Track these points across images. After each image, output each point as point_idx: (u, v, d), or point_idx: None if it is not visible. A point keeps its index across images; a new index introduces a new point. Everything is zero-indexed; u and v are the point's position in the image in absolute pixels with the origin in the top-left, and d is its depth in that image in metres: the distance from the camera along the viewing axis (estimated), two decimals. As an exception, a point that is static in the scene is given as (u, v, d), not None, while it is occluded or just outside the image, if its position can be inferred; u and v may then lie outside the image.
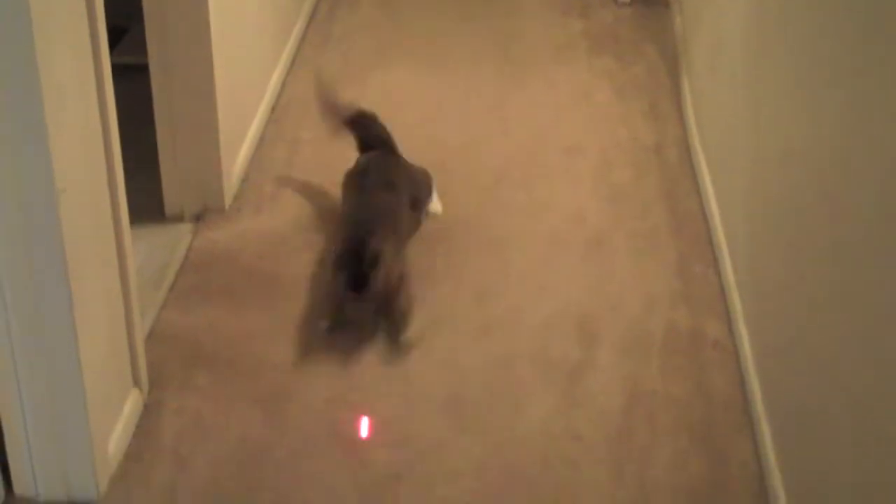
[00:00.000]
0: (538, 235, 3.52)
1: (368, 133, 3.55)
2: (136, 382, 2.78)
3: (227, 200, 3.60)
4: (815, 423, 2.29)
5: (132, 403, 2.74)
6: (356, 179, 3.38)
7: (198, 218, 3.54)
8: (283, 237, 3.48)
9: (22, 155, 2.20)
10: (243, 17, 3.80)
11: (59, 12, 2.25)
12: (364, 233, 3.01)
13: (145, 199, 3.48)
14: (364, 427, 2.79)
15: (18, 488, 2.52)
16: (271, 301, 3.20)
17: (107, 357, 2.60)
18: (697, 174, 3.74)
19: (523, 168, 3.86)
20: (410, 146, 3.96)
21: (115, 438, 2.63)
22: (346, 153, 3.89)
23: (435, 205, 3.54)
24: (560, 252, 3.44)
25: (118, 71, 3.95)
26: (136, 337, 2.75)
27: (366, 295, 2.96)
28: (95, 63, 2.46)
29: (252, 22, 3.96)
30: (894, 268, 1.87)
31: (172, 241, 3.43)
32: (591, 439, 2.73)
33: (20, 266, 2.29)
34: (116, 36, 4.41)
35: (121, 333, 2.70)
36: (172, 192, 3.53)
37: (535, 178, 3.81)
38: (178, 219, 3.53)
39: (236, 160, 3.73)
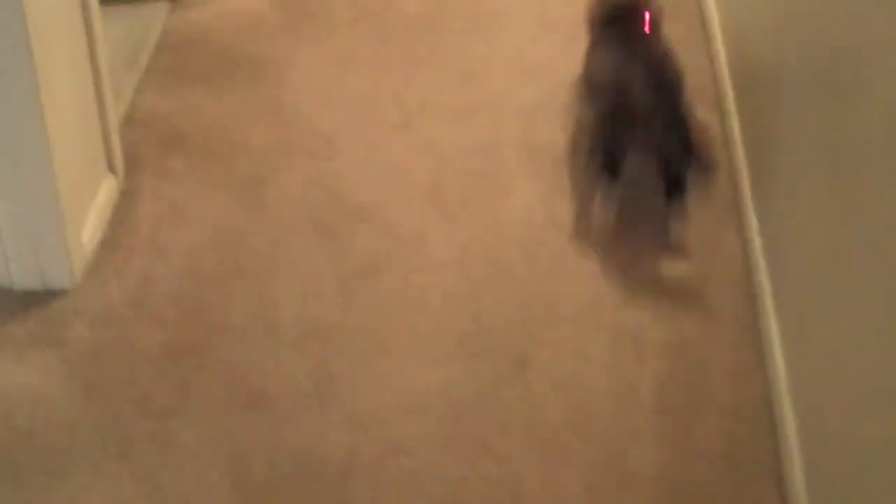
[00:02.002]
0: (526, 16, 3.41)
1: None
2: (111, 168, 2.72)
3: (204, -24, 3.47)
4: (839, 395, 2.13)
5: (107, 190, 2.68)
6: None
7: (172, -4, 3.42)
8: (263, 16, 3.36)
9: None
10: None
11: None
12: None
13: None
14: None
15: (-8, 277, 2.49)
16: (250, 83, 3.11)
17: (78, 141, 2.53)
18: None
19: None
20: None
21: (90, 225, 2.58)
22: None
23: None
24: (548, 34, 3.33)
25: None
26: (109, 120, 2.67)
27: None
28: None
29: None
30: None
31: (147, 20, 3.31)
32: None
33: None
34: None
35: (93, 116, 2.62)
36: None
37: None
38: (153, -4, 3.41)
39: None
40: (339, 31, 3.32)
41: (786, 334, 2.27)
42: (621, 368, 2.34)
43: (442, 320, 2.44)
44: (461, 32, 3.34)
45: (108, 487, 2.10)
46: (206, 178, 2.80)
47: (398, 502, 2.09)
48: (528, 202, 2.75)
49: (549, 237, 2.66)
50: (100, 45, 2.59)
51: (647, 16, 2.73)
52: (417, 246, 2.63)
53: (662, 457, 2.16)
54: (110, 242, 2.61)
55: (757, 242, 2.53)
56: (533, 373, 2.33)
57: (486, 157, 2.88)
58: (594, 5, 2.92)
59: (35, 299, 2.47)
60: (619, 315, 2.46)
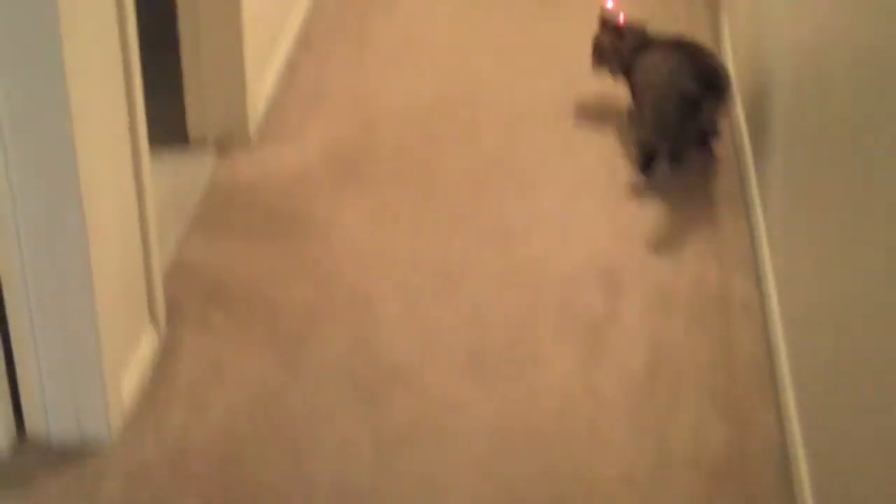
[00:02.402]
0: (567, 176, 3.45)
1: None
2: (153, 319, 2.74)
3: (252, 128, 3.53)
4: (841, 390, 2.24)
5: (147, 341, 2.70)
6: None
7: (221, 145, 3.47)
8: (308, 170, 3.41)
9: (37, 81, 2.13)
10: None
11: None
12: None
13: (169, 123, 3.43)
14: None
15: (30, 427, 2.49)
16: (293, 239, 3.14)
17: (122, 290, 2.55)
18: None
19: (554, 105, 3.77)
20: (441, 75, 3.89)
21: (130, 377, 2.59)
22: (376, 84, 3.82)
23: None
24: (589, 194, 3.37)
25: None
26: (153, 271, 2.70)
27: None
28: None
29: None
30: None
31: (194, 170, 3.37)
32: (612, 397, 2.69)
33: (34, 194, 2.24)
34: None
35: (138, 266, 2.65)
36: (196, 117, 3.47)
37: (567, 117, 3.72)
38: (202, 145, 3.47)
39: (263, 86, 3.65)
40: (383, 189, 3.36)
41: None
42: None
43: (476, 493, 2.43)
44: (503, 192, 3.38)
45: None
46: (246, 334, 2.81)
47: None
48: (565, 370, 2.75)
49: (585, 407, 2.65)
50: (148, 193, 2.63)
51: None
52: (453, 412, 2.63)
53: None
54: (149, 395, 2.62)
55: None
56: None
57: (523, 322, 2.90)
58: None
59: (71, 451, 2.47)
60: (653, 489, 2.45)
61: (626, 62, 3.55)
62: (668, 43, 3.50)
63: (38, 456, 2.46)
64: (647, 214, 3.30)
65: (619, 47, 3.56)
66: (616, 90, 3.70)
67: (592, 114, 3.74)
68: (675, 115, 3.34)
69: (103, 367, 2.44)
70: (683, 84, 3.30)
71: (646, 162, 3.44)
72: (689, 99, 3.29)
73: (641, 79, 3.48)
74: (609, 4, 3.59)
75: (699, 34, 4.17)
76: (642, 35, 3.56)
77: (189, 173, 3.35)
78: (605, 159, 3.53)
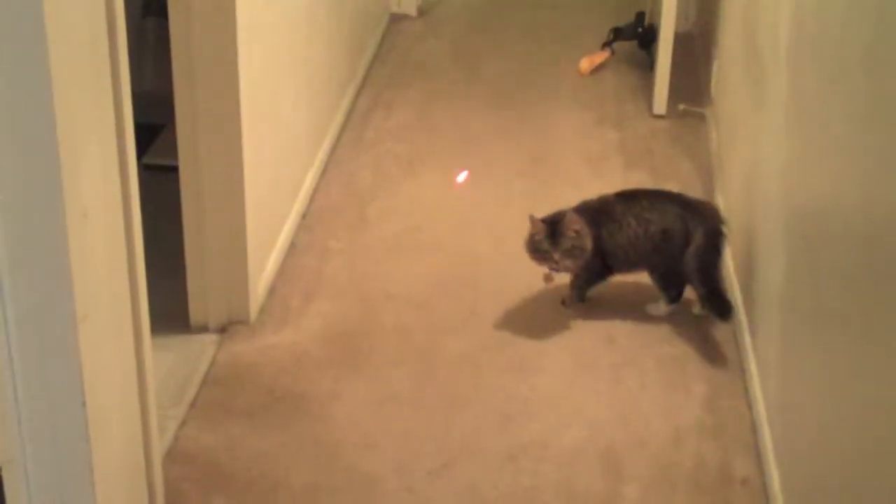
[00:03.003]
0: (565, 357, 3.47)
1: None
2: (152, 506, 2.74)
3: (253, 313, 3.57)
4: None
5: (147, 529, 2.69)
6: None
7: (222, 330, 3.51)
8: (308, 353, 3.44)
9: (41, 280, 2.17)
10: (276, 121, 3.80)
11: (86, 127, 2.22)
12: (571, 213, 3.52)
13: (170, 307, 3.46)
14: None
15: None
16: (293, 420, 3.15)
17: (122, 482, 2.55)
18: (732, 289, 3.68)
19: (552, 285, 3.82)
20: (440, 258, 3.95)
21: (129, 567, 2.58)
22: (376, 266, 3.88)
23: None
24: (587, 375, 3.38)
25: (153, 170, 3.98)
26: (153, 459, 2.71)
27: (556, 246, 3.48)
28: (122, 177, 2.42)
29: (285, 125, 3.95)
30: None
31: (195, 354, 3.39)
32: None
33: (36, 384, 2.25)
34: (152, 134, 4.43)
35: (138, 456, 2.65)
36: (198, 301, 3.51)
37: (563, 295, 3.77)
38: (203, 330, 3.50)
39: (264, 270, 3.70)
40: (383, 370, 3.38)
41: None
42: None
43: None
44: (503, 373, 3.39)
45: None
46: (246, 518, 2.81)
47: None
48: (568, 553, 2.74)
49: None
50: (150, 382, 2.65)
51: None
52: None
53: None
54: (147, 584, 2.60)
55: None
56: None
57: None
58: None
59: None
60: None
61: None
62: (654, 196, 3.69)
63: None
64: (646, 393, 3.31)
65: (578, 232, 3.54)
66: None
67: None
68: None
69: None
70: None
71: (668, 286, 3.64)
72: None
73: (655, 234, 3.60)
74: (461, 178, 3.61)
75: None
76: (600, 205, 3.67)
77: (190, 358, 3.37)
78: (603, 336, 3.56)
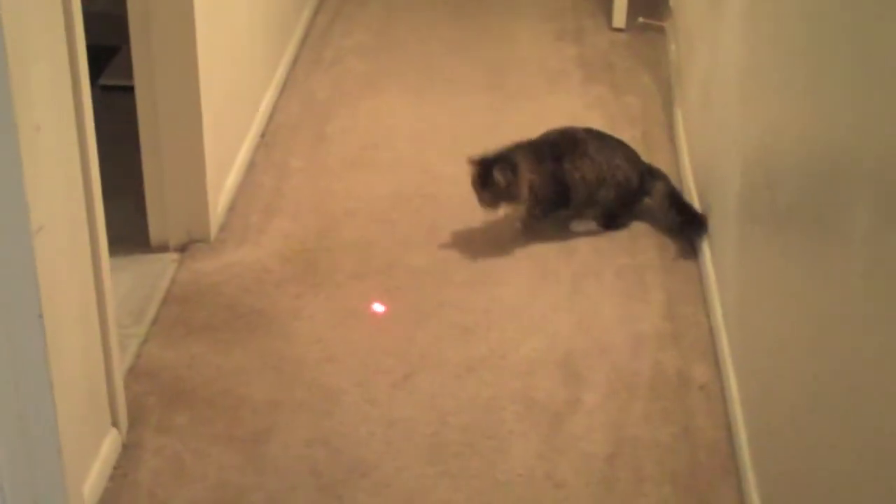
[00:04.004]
0: (526, 270, 3.49)
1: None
2: (115, 422, 2.74)
3: (213, 231, 3.56)
4: (802, 472, 2.26)
5: (110, 444, 2.70)
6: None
7: (183, 248, 3.50)
8: (269, 270, 3.44)
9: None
10: (233, 40, 3.77)
11: (35, 40, 2.20)
12: (512, 152, 3.55)
13: (130, 226, 3.47)
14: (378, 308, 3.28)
15: (-10, 533, 2.49)
16: (254, 337, 3.16)
17: (83, 397, 2.56)
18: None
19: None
20: (401, 175, 3.95)
21: (92, 480, 2.59)
22: (337, 184, 3.88)
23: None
24: (548, 287, 3.41)
25: (110, 91, 3.96)
26: (114, 376, 2.71)
27: (487, 190, 3.51)
28: (75, 92, 2.41)
29: (241, 44, 3.93)
30: (887, 302, 1.83)
31: (156, 273, 3.39)
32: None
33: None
34: (108, 55, 4.39)
35: (99, 372, 2.66)
36: (157, 221, 3.50)
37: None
38: (163, 248, 3.50)
39: (223, 188, 3.69)
40: (344, 286, 3.39)
41: None
42: None
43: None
44: (464, 286, 3.41)
45: None
46: (209, 433, 2.82)
47: None
48: (527, 460, 2.77)
49: (548, 495, 2.66)
50: (108, 298, 2.65)
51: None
52: (417, 504, 2.64)
53: None
54: (111, 499, 2.62)
55: None
56: None
57: (485, 413, 2.91)
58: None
59: (33, 557, 2.46)
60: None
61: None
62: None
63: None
64: (605, 303, 3.34)
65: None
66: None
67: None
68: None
69: (65, 477, 2.42)
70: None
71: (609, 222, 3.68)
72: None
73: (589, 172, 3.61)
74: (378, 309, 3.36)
75: (656, 130, 4.26)
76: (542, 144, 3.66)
77: (150, 277, 3.37)
78: (564, 249, 3.57)
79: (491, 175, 3.49)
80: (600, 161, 3.62)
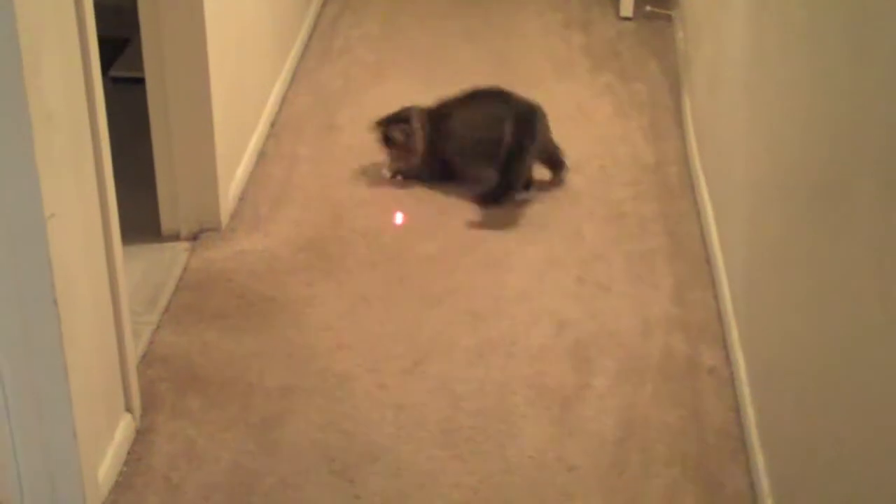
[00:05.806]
0: (534, 256, 3.51)
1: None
2: (129, 407, 2.77)
3: (224, 219, 3.59)
4: (810, 452, 2.28)
5: (124, 429, 2.73)
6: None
7: (194, 237, 3.53)
8: (279, 258, 3.47)
9: (8, 179, 2.18)
10: (242, 31, 3.79)
11: (47, 30, 2.22)
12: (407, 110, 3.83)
13: (142, 216, 3.49)
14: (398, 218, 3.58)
15: (7, 517, 2.52)
16: (266, 323, 3.19)
17: (98, 383, 2.59)
18: (697, 194, 3.72)
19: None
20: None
21: (106, 465, 2.62)
22: (345, 171, 3.90)
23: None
24: (556, 272, 3.42)
25: (120, 83, 3.99)
26: (128, 362, 2.74)
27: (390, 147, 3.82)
28: (87, 82, 2.43)
29: (251, 35, 3.95)
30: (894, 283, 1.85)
31: (168, 261, 3.42)
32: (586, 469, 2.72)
33: (7, 292, 2.28)
34: (119, 47, 4.42)
35: (113, 358, 2.69)
36: (168, 210, 3.52)
37: (534, 195, 3.80)
38: (175, 238, 3.52)
39: (234, 178, 3.72)
40: (354, 273, 3.42)
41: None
42: None
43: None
44: (473, 272, 3.43)
45: None
46: (222, 417, 2.85)
47: None
48: (538, 443, 2.79)
49: (559, 479, 2.69)
50: (122, 286, 2.68)
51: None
52: (429, 487, 2.66)
53: None
54: (125, 482, 2.64)
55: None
56: None
57: (495, 398, 2.94)
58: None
59: (49, 540, 2.49)
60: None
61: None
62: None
63: (15, 546, 2.48)
64: (614, 288, 3.35)
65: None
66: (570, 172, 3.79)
67: (553, 192, 3.82)
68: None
69: (80, 461, 2.46)
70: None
71: (498, 195, 3.76)
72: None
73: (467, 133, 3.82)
74: (398, 220, 3.72)
75: (664, 116, 4.27)
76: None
77: (162, 265, 3.40)
78: (572, 234, 3.59)
79: (389, 136, 3.83)
80: (455, 125, 3.82)
